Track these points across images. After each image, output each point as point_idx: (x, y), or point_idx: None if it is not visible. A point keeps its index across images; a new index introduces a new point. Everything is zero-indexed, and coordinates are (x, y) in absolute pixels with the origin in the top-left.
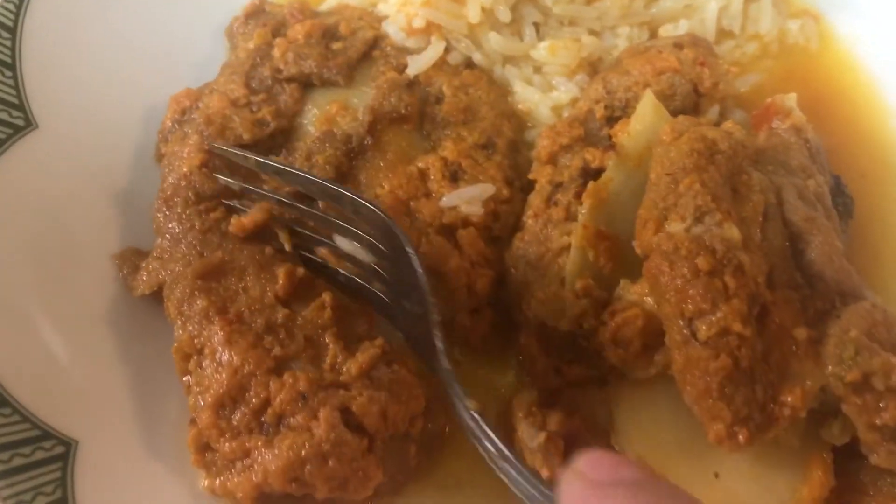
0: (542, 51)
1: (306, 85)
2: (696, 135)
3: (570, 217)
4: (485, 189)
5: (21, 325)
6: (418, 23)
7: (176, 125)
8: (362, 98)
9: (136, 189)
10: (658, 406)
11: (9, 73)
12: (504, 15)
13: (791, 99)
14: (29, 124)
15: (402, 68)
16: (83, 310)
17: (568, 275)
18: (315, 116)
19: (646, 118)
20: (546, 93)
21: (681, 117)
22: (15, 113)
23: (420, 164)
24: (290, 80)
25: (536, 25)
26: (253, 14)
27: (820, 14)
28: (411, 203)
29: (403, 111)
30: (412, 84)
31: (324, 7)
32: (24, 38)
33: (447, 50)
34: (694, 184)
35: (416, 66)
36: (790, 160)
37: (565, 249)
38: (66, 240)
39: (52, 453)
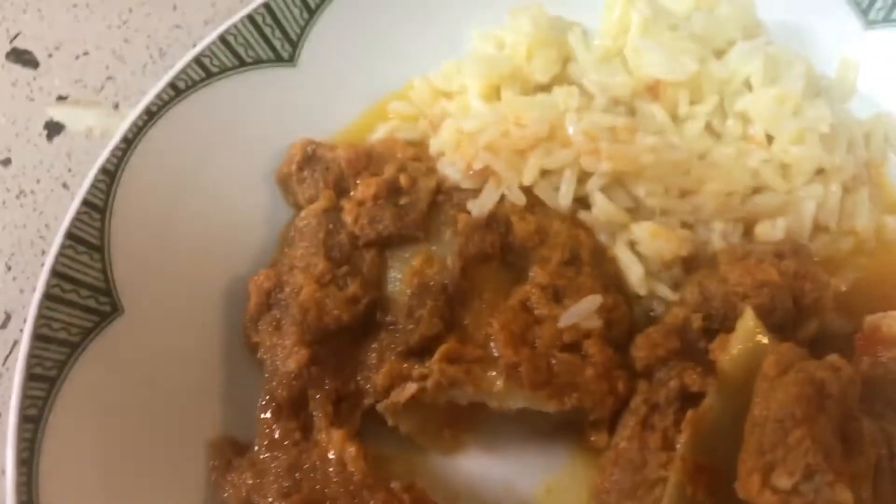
0: (644, 230)
1: (384, 246)
2: (805, 376)
3: (668, 445)
4: (594, 300)
5: None
6: (478, 165)
7: (264, 309)
8: (441, 245)
9: (229, 379)
10: None
11: (97, 256)
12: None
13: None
14: (115, 310)
15: (464, 205)
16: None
17: None
18: (403, 273)
19: (746, 339)
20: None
21: (784, 347)
22: (102, 298)
23: (520, 297)
24: (368, 244)
25: (628, 211)
26: (305, 161)
27: None
28: (526, 335)
29: (489, 250)
30: (488, 221)
31: (373, 138)
32: (113, 219)
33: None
34: (805, 439)
35: (478, 208)
36: None
37: (662, 481)
38: (156, 432)
39: None
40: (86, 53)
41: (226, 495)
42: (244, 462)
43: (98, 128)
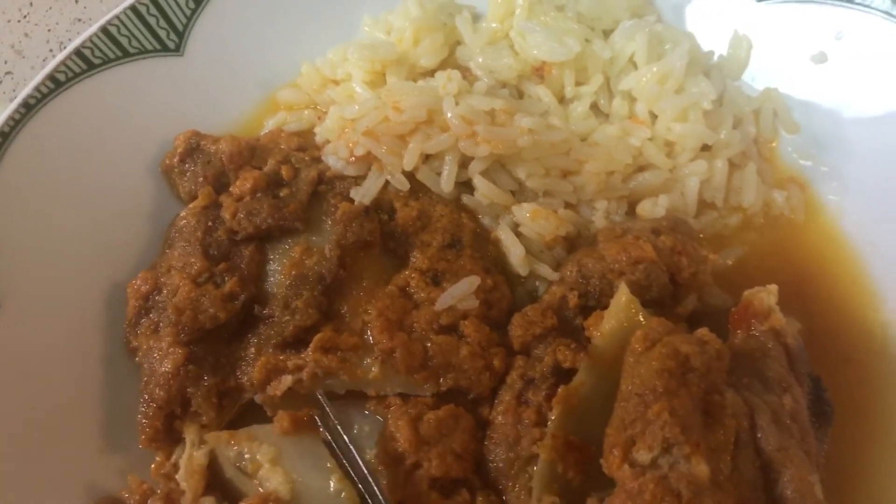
0: (525, 211)
1: (263, 239)
2: (669, 350)
3: (541, 420)
4: (472, 282)
5: None
6: (360, 151)
7: (143, 313)
8: (321, 235)
9: (110, 381)
10: None
11: None
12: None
13: (771, 295)
14: None
15: (347, 193)
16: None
17: (535, 488)
18: (282, 265)
19: (619, 316)
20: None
21: (654, 321)
22: None
23: (399, 283)
24: (247, 239)
25: (512, 193)
26: (187, 153)
27: (806, 182)
28: (404, 320)
29: (368, 238)
30: (367, 209)
31: (264, 130)
32: None
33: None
34: (663, 412)
35: (361, 196)
36: (766, 370)
37: (534, 458)
38: (32, 429)
39: None
40: None
41: None
42: None
43: None
